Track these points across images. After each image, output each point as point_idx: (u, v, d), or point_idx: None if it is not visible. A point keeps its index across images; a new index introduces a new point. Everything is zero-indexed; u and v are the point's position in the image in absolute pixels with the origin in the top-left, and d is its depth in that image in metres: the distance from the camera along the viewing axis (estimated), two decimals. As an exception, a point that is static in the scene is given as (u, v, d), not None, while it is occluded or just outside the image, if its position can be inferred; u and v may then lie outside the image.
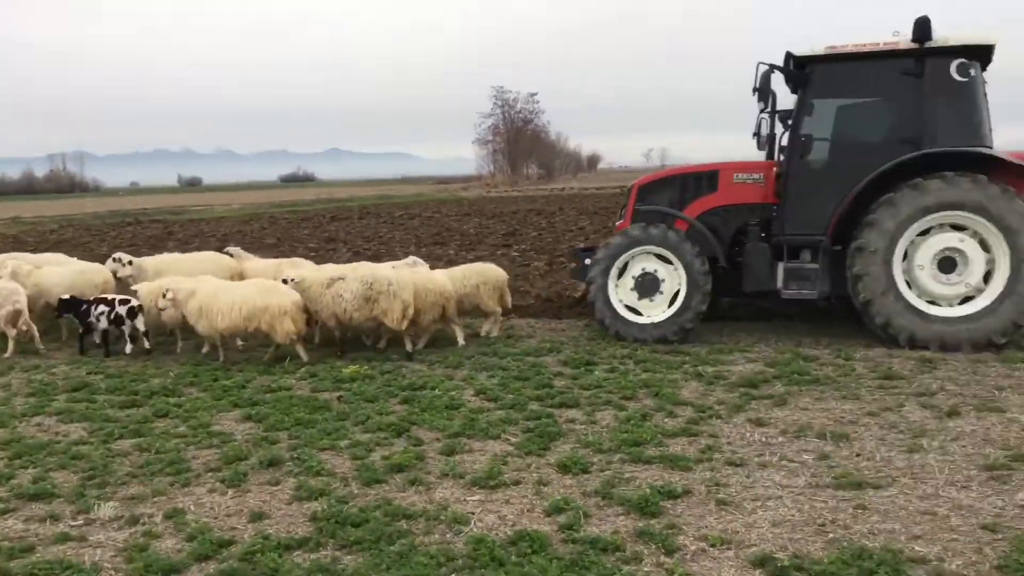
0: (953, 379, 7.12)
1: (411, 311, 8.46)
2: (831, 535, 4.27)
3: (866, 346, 8.37)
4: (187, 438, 6.27)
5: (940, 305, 8.08)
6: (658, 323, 8.68)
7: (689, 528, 4.42)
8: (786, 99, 9.04)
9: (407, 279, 8.57)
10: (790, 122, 8.68)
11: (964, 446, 5.49)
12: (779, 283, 8.59)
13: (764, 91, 8.48)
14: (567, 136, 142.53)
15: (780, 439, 5.78)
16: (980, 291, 7.98)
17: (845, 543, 4.15)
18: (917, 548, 4.08)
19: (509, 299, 9.69)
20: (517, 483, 5.13)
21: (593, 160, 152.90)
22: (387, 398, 7.13)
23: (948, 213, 7.91)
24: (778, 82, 8.69)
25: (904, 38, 8.20)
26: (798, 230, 8.57)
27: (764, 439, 5.79)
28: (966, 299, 8.05)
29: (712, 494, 4.84)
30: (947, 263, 8.04)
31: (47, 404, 7.32)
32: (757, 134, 8.95)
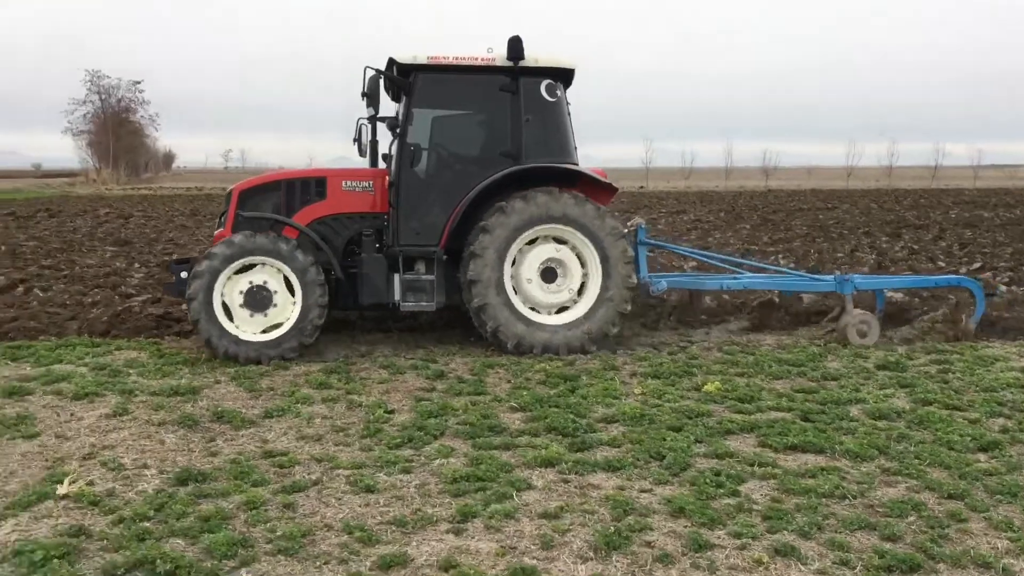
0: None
1: None
2: None
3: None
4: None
5: (547, 313, 8.59)
6: (275, 339, 8.13)
7: None
8: (387, 106, 9.21)
9: None
10: (398, 131, 8.63)
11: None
12: (397, 295, 8.54)
13: (373, 96, 8.50)
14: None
15: None
16: (577, 299, 8.60)
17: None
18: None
19: None
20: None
21: (168, 158, 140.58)
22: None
23: (541, 227, 8.45)
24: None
25: (500, 55, 8.60)
26: (412, 241, 8.59)
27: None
28: (566, 307, 8.65)
29: None
30: (549, 273, 8.57)
31: None
32: (358, 140, 9.00)
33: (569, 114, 8.93)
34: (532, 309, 8.56)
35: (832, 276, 9.76)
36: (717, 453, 5.54)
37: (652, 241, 10.10)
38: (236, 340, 8.08)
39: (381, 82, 8.56)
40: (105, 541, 4.29)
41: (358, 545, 4.25)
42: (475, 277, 8.32)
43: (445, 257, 8.65)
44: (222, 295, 8.11)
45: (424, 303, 8.55)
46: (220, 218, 9.09)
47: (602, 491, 4.96)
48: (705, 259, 11.02)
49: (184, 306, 8.52)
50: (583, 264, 8.58)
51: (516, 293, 8.50)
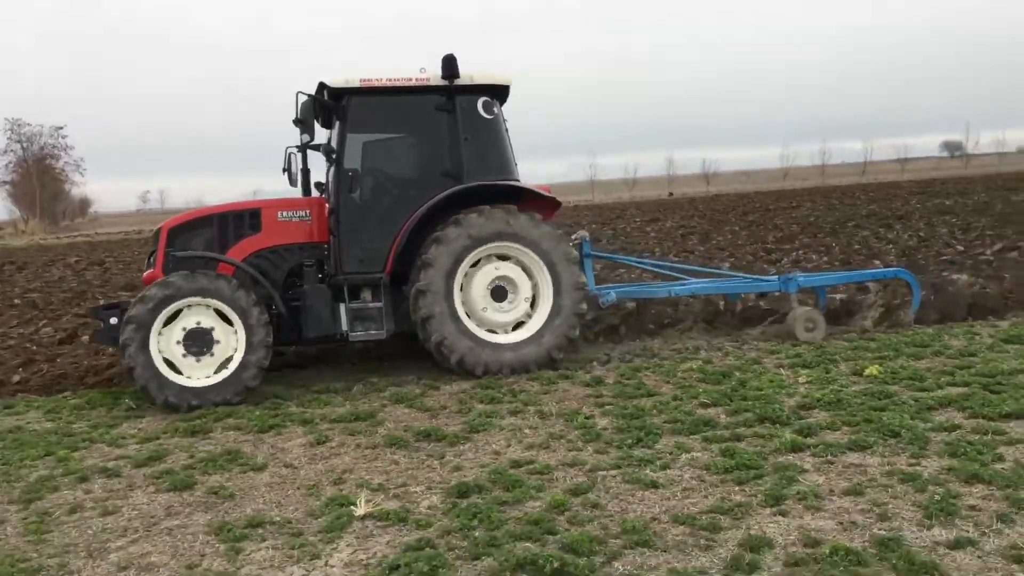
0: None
1: None
2: None
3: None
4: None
5: (499, 333, 8.49)
6: (216, 384, 7.71)
7: None
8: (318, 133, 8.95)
9: None
10: (333, 156, 8.49)
11: None
12: (344, 326, 8.34)
13: (307, 122, 8.39)
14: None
15: None
16: (531, 314, 8.54)
17: None
18: None
19: None
20: None
21: (84, 204, 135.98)
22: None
23: (492, 245, 8.37)
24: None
25: (434, 74, 8.47)
26: (356, 269, 8.39)
27: None
28: (520, 323, 8.57)
29: None
30: (499, 292, 8.49)
31: None
32: (288, 169, 8.85)
33: (507, 130, 8.86)
34: (490, 331, 8.43)
35: (776, 276, 9.97)
36: (944, 427, 5.86)
37: (597, 253, 10.16)
38: (175, 386, 7.62)
39: (313, 108, 8.40)
40: (457, 551, 4.36)
41: (705, 533, 4.42)
42: (424, 287, 8.11)
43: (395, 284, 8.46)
44: (159, 340, 7.67)
45: (373, 331, 8.33)
46: (149, 258, 8.74)
47: (873, 467, 5.21)
48: (650, 267, 10.95)
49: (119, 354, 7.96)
50: (533, 284, 8.48)
51: (464, 310, 8.35)
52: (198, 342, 7.76)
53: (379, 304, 8.37)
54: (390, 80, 8.41)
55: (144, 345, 7.58)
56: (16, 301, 16.84)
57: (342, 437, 6.63)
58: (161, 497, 5.52)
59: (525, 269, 8.48)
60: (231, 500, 5.40)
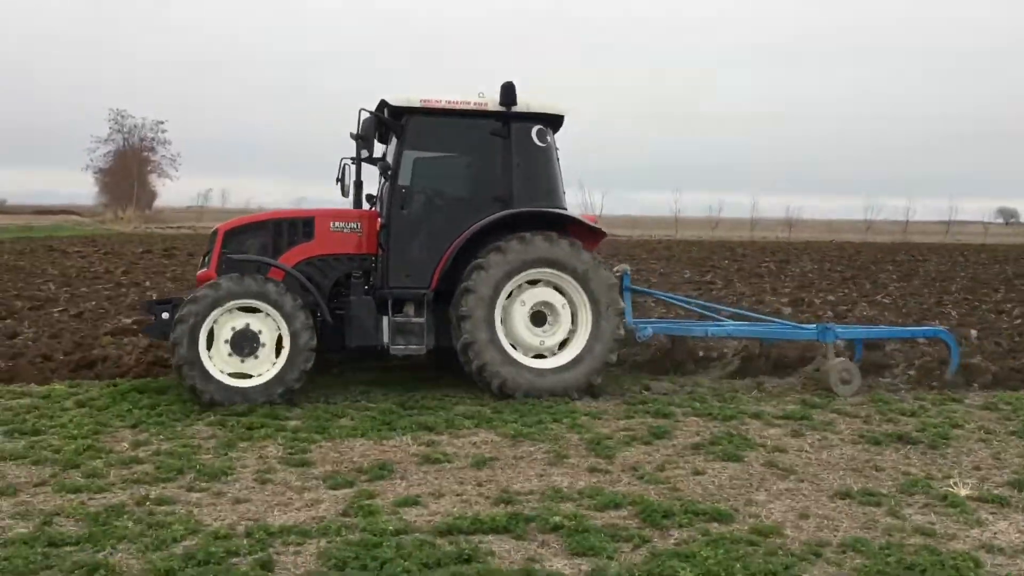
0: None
1: None
2: None
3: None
4: None
5: (544, 357, 8.64)
6: (260, 385, 7.93)
7: None
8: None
9: None
10: (389, 172, 8.75)
11: None
12: (386, 338, 8.52)
13: (366, 138, 8.64)
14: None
15: None
16: (571, 337, 8.66)
17: None
18: None
19: None
20: None
21: (151, 197, 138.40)
22: None
23: (532, 271, 8.54)
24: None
25: (492, 100, 8.74)
26: (402, 283, 8.63)
27: None
28: (563, 344, 8.69)
29: None
30: (539, 317, 8.65)
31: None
32: (341, 180, 9.05)
33: (558, 159, 9.09)
34: (535, 356, 8.60)
35: (814, 325, 9.92)
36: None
37: (637, 288, 10.32)
38: (220, 385, 7.83)
39: (373, 124, 8.64)
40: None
41: None
42: (466, 313, 8.32)
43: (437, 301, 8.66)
44: (208, 339, 7.87)
45: (414, 346, 8.49)
46: (204, 258, 9.06)
47: None
48: (687, 305, 10.82)
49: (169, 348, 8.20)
50: (573, 310, 8.67)
51: (505, 335, 8.51)
52: (244, 343, 7.96)
53: (421, 319, 8.53)
54: (449, 102, 8.70)
55: (193, 342, 7.78)
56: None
57: (821, 433, 7.39)
58: (730, 467, 6.31)
59: (565, 295, 8.64)
60: (794, 473, 6.18)
